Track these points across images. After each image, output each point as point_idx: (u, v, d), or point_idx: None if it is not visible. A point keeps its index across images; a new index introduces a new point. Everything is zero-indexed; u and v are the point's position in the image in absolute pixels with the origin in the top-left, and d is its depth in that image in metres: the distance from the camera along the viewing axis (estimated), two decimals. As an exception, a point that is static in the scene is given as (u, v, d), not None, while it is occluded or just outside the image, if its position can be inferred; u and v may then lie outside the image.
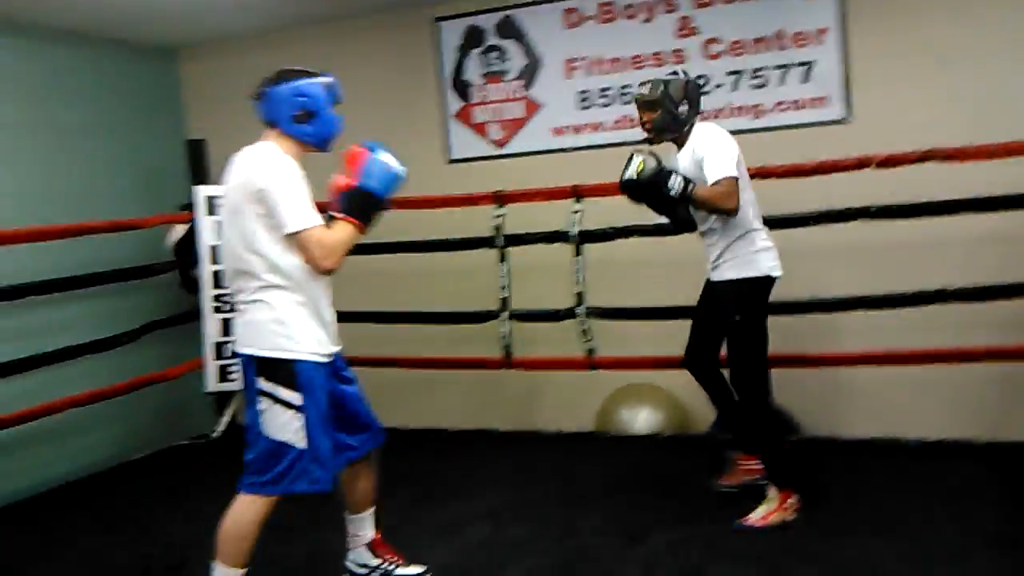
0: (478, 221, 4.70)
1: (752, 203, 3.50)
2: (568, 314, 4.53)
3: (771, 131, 4.59)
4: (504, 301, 4.62)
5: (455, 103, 5.29)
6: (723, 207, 3.30)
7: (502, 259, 4.61)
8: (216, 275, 4.84)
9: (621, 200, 4.45)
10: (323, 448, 2.70)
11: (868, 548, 3.20)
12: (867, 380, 4.49)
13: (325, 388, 2.73)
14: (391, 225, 5.02)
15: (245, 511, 2.68)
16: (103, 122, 5.27)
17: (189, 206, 5.09)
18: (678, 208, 3.50)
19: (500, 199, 4.61)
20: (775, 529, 3.39)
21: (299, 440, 2.65)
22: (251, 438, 2.71)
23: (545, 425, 5.05)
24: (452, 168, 5.30)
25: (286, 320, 2.65)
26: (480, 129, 5.25)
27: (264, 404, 2.66)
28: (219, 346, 4.90)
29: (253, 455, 2.69)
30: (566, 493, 4.04)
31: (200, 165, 5.21)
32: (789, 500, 3.43)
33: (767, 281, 3.47)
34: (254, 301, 2.68)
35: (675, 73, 3.53)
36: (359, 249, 5.04)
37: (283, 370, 2.64)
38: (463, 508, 3.90)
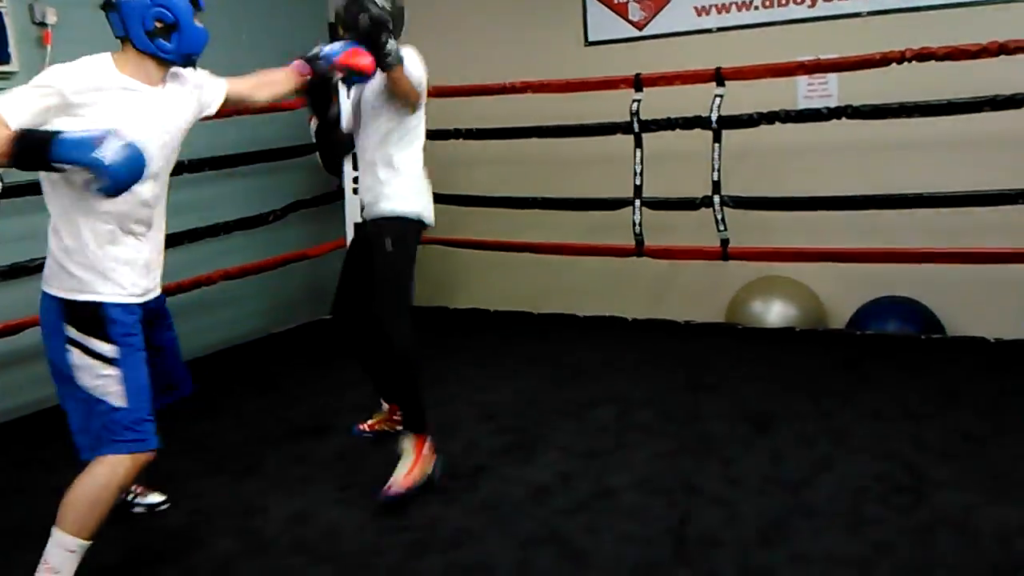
0: (615, 106, 4.61)
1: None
2: (703, 202, 4.43)
3: (933, 10, 4.28)
4: (638, 188, 4.55)
5: (595, -17, 5.13)
6: (412, 94, 2.97)
7: (638, 145, 4.52)
8: (355, 157, 4.94)
9: (766, 84, 4.30)
10: None
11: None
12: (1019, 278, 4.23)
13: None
14: (527, 109, 5.04)
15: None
16: (248, 3, 5.38)
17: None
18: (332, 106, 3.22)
19: (639, 83, 4.49)
20: (884, 435, 3.32)
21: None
22: None
23: (675, 315, 5.03)
24: (590, 51, 5.18)
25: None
26: (620, 9, 5.08)
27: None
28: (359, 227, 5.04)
29: None
30: (693, 381, 4.04)
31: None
32: (425, 446, 3.09)
33: (421, 225, 3.16)
34: None
35: None
36: (494, 133, 5.12)
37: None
38: (590, 392, 3.97)
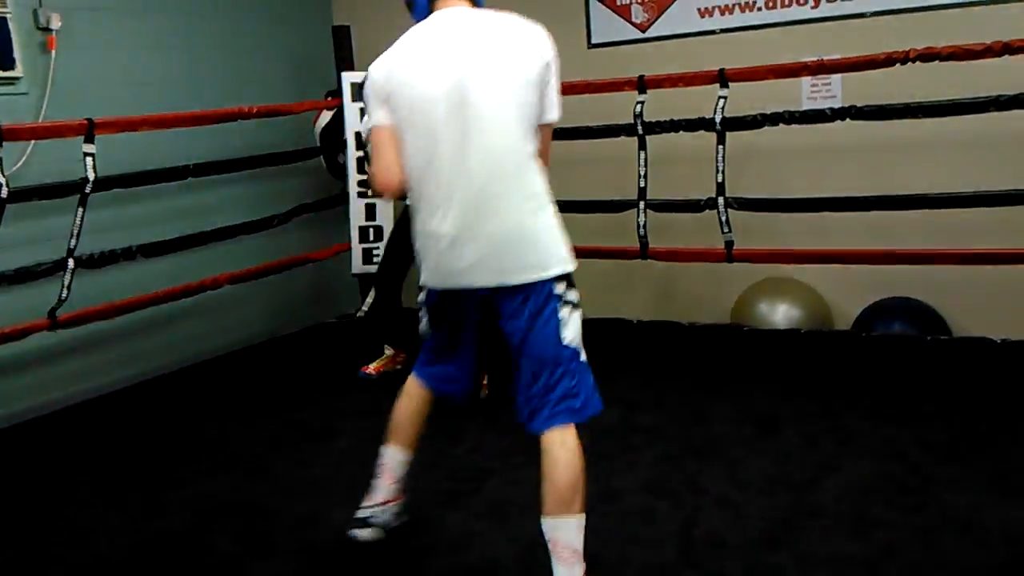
0: (619, 108, 4.60)
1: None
2: (708, 204, 4.42)
3: (938, 10, 4.26)
4: (642, 190, 4.55)
5: (597, -16, 5.14)
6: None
7: (641, 147, 4.51)
8: (360, 161, 4.95)
9: (769, 85, 4.30)
10: None
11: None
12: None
13: None
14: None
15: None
16: (256, 8, 5.40)
17: (336, 92, 5.19)
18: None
19: (642, 84, 4.49)
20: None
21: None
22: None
23: (680, 317, 5.02)
24: (593, 53, 5.18)
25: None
26: (623, 11, 5.08)
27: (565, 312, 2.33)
28: (363, 230, 5.04)
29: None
30: (698, 383, 4.04)
31: (346, 51, 5.27)
32: (399, 357, 4.45)
33: None
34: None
35: None
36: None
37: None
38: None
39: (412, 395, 2.65)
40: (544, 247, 2.29)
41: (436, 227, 2.28)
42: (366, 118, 2.41)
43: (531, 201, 2.28)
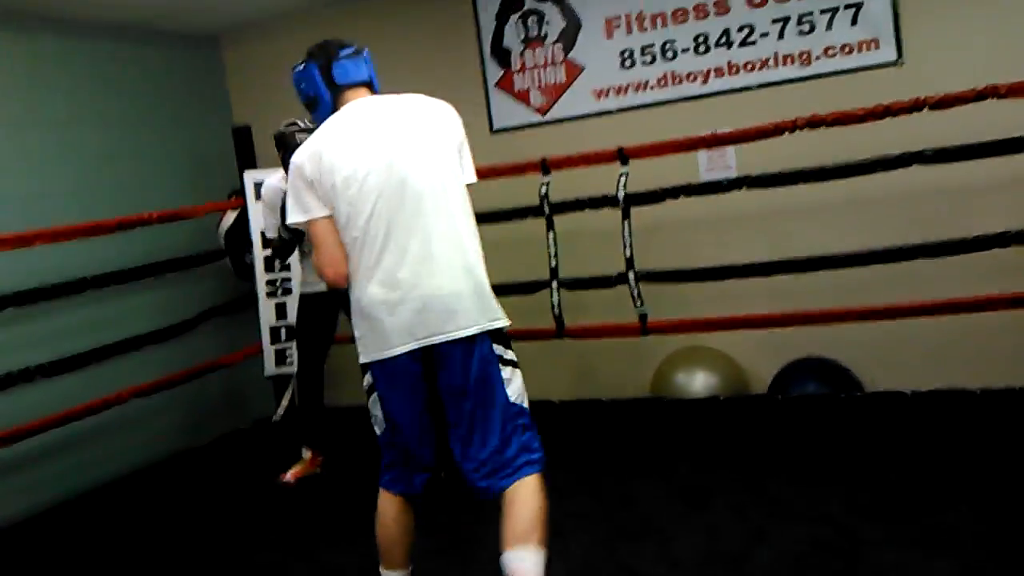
0: (523, 190, 4.65)
1: None
2: (619, 279, 4.46)
3: (820, 78, 4.45)
4: (553, 270, 4.57)
5: (496, 71, 5.23)
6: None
7: (550, 227, 4.56)
8: (268, 261, 4.87)
9: (668, 160, 4.40)
10: None
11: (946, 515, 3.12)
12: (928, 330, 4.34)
13: None
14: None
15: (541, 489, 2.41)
16: (151, 113, 5.33)
17: (238, 192, 5.13)
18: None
19: (545, 166, 4.55)
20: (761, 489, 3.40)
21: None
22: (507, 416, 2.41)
23: (601, 393, 5.01)
24: (496, 138, 5.25)
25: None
26: (522, 96, 5.18)
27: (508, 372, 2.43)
28: (275, 331, 4.94)
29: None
30: (625, 462, 4.02)
31: (247, 151, 5.24)
32: (317, 460, 4.34)
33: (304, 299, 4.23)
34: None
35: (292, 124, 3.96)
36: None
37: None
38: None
39: (389, 513, 2.56)
40: (487, 302, 2.40)
41: (382, 294, 2.32)
42: (292, 212, 2.42)
43: (472, 258, 2.40)
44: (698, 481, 3.65)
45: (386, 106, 2.43)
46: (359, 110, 2.42)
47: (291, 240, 3.88)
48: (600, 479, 3.82)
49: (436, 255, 2.33)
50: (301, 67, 2.52)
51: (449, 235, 2.36)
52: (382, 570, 2.58)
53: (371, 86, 2.51)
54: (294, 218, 2.41)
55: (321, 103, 2.49)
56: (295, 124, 3.95)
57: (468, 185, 2.50)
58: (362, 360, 2.43)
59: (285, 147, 3.88)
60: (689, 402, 4.57)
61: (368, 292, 2.35)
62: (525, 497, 2.34)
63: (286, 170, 3.53)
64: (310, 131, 3.52)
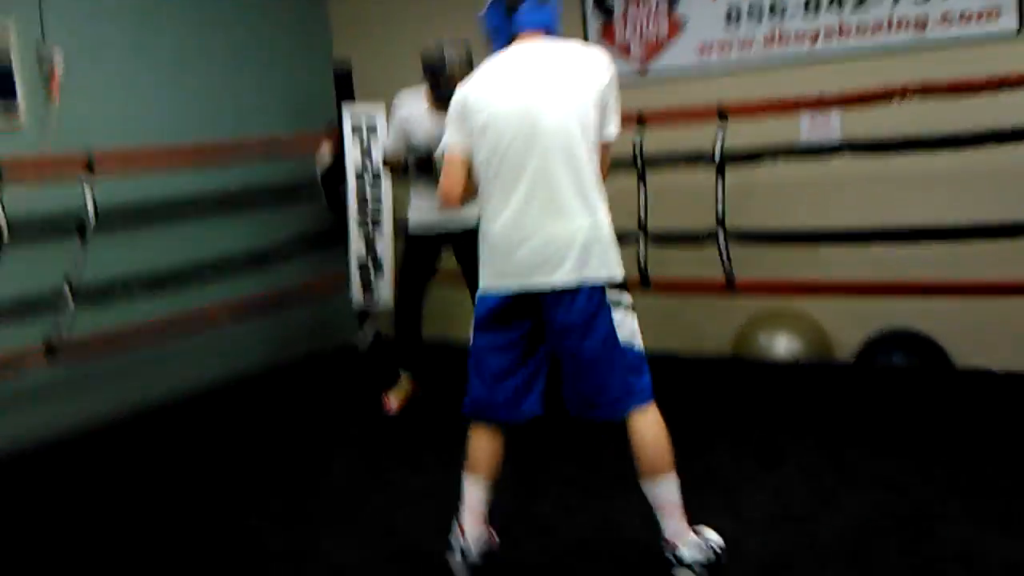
0: (618, 143, 4.61)
1: None
2: (708, 237, 4.43)
3: (933, 46, 4.29)
4: (643, 224, 4.56)
5: (597, 22, 5.19)
6: None
7: (641, 181, 4.54)
8: (360, 192, 4.97)
9: (768, 122, 4.33)
10: None
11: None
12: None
13: None
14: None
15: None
16: (256, 47, 5.46)
17: (336, 125, 5.23)
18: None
19: (641, 120, 4.52)
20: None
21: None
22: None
23: (681, 348, 5.01)
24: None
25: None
26: (623, 49, 5.13)
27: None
28: (363, 263, 5.05)
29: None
30: (699, 418, 4.02)
31: (346, 86, 5.33)
32: (416, 386, 4.38)
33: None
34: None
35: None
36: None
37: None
38: (593, 428, 3.94)
39: (483, 434, 2.69)
40: (603, 252, 2.48)
41: (507, 233, 2.49)
42: (446, 133, 2.64)
43: (591, 209, 2.48)
44: (772, 443, 3.64)
45: (537, 53, 2.54)
46: (514, 55, 2.56)
47: (408, 164, 4.02)
48: (673, 431, 3.82)
49: (559, 202, 2.45)
50: (487, 8, 2.67)
51: (574, 184, 2.46)
52: (465, 477, 2.70)
53: (549, 31, 2.61)
54: (442, 143, 2.64)
55: (496, 42, 2.65)
56: (442, 48, 3.92)
57: (605, 141, 2.59)
58: (480, 288, 2.60)
59: (431, 70, 3.93)
60: (770, 365, 4.54)
61: (495, 229, 2.52)
62: (643, 429, 2.59)
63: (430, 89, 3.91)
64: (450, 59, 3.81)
